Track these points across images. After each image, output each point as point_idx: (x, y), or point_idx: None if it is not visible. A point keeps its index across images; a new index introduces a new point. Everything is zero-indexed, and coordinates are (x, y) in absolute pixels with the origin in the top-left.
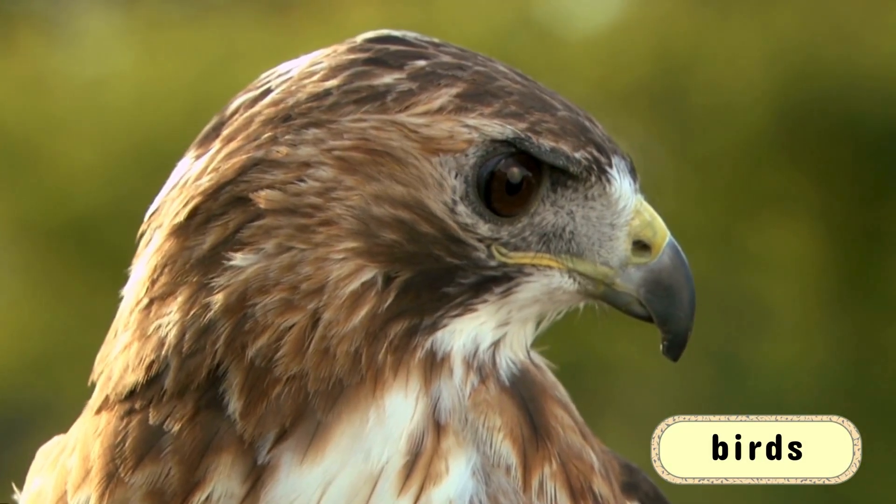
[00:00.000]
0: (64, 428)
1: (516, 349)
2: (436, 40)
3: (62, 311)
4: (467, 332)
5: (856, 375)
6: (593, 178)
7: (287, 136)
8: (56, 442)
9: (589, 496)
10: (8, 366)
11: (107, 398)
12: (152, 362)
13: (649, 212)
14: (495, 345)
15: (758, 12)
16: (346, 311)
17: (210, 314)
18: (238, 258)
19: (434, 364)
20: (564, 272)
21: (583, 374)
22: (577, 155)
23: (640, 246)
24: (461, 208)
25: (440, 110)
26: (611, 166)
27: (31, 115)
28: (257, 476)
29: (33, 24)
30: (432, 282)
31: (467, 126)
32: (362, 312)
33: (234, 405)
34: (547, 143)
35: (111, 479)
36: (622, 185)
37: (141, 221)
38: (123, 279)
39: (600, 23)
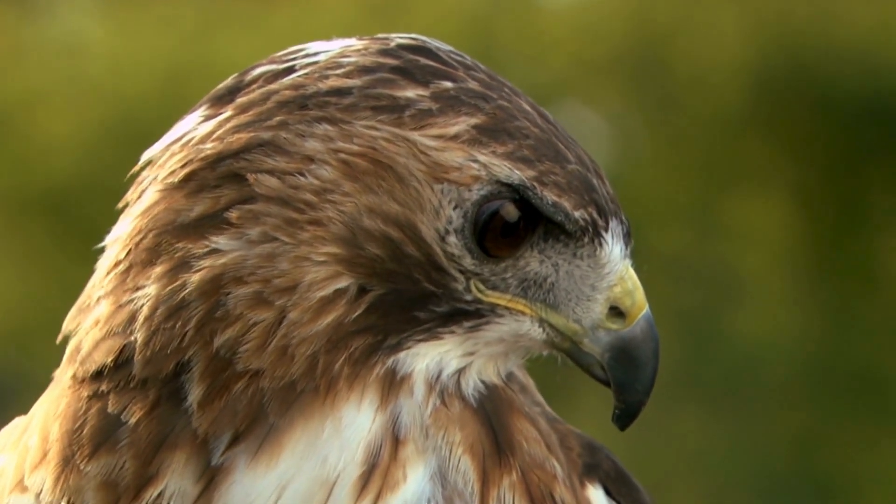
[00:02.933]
0: (39, 397)
1: (486, 376)
2: (468, 61)
3: (38, 281)
4: (431, 357)
5: (829, 346)
6: (586, 239)
7: (298, 125)
8: (14, 425)
9: (549, 503)
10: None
11: (74, 375)
12: (123, 346)
13: (633, 280)
14: (460, 372)
15: None
16: (312, 314)
17: (185, 293)
18: (221, 241)
19: (393, 382)
20: (535, 320)
21: None
22: (577, 214)
23: (616, 312)
24: (452, 239)
25: (454, 138)
26: (606, 230)
27: (5, 87)
28: (211, 477)
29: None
30: (405, 303)
31: (478, 161)
32: (328, 319)
33: (194, 395)
34: (550, 196)
35: (67, 464)
36: (613, 250)
37: (116, 191)
38: (99, 250)
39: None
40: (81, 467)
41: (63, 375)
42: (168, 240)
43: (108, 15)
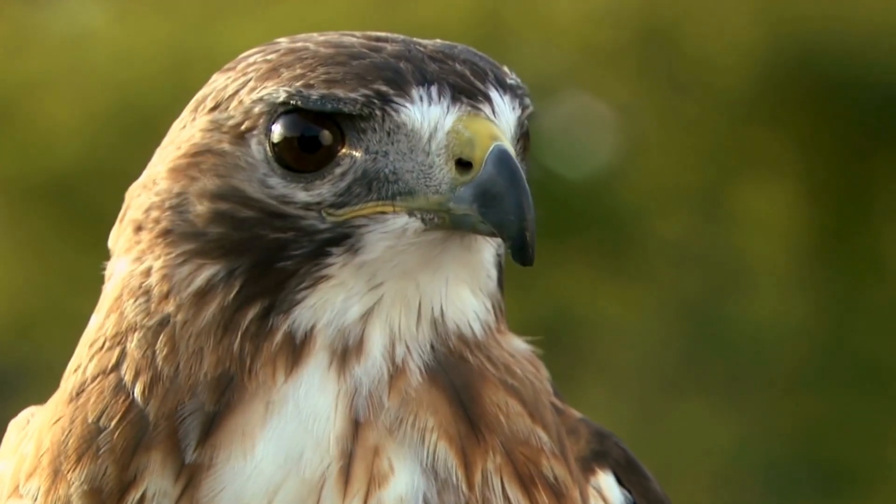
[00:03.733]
0: (44, 387)
1: (411, 322)
2: (333, 42)
3: (42, 269)
4: (330, 303)
5: (835, 333)
6: (378, 113)
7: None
8: (24, 419)
9: (539, 480)
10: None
11: (65, 388)
12: (108, 360)
13: (472, 127)
14: (369, 314)
15: None
16: (194, 309)
17: (124, 310)
18: (121, 260)
19: (302, 346)
20: (402, 213)
21: (562, 332)
22: (353, 95)
23: (463, 164)
24: (273, 181)
25: (245, 97)
26: (404, 96)
27: (10, 74)
28: (190, 475)
29: None
30: (267, 261)
31: (254, 100)
32: (211, 309)
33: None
34: (316, 92)
35: (56, 474)
36: (421, 113)
37: (120, 179)
38: (103, 237)
39: None
40: (68, 477)
41: (65, 384)
42: (152, 239)
43: (112, 3)
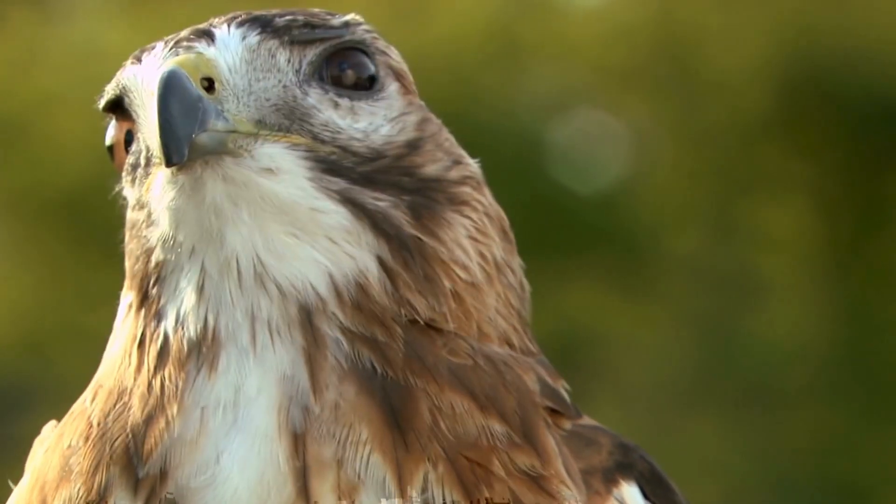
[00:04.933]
0: (57, 404)
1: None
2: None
3: (54, 286)
4: (172, 300)
5: (849, 350)
6: (124, 82)
7: None
8: (49, 427)
9: (485, 484)
10: (5, 338)
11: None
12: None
13: (168, 62)
14: (201, 291)
15: None
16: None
17: None
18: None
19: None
20: (155, 173)
21: (574, 349)
22: (113, 83)
23: None
24: (125, 193)
25: None
26: (135, 63)
27: (23, 90)
28: (150, 487)
29: None
30: (139, 265)
31: None
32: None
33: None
34: (105, 91)
35: (44, 500)
36: (138, 71)
37: None
38: (116, 253)
39: None
40: (50, 501)
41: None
42: None
43: (126, 18)
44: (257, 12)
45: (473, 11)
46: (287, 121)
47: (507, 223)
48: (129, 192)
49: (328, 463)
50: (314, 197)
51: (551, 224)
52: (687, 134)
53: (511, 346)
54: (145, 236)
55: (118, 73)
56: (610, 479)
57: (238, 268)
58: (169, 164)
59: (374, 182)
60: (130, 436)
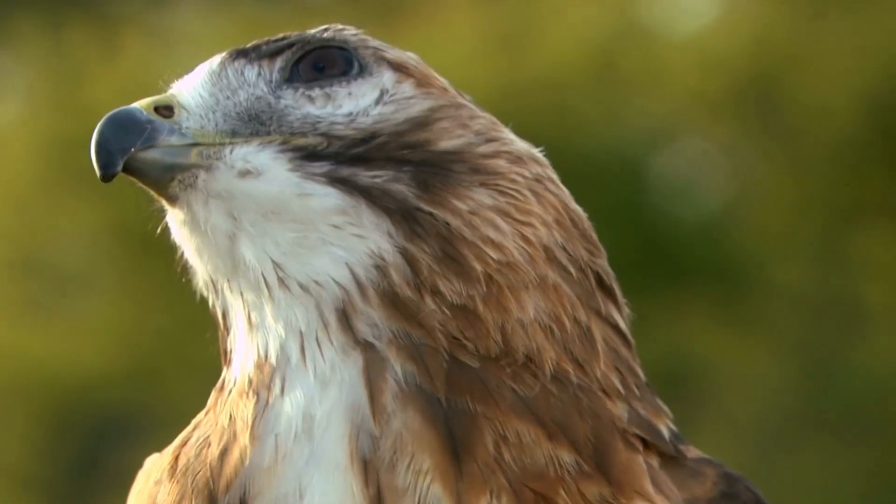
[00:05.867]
0: (165, 434)
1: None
2: None
3: (160, 315)
4: (230, 327)
5: None
6: None
7: None
8: (150, 461)
9: None
10: (112, 369)
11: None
12: None
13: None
14: (248, 322)
15: (854, 11)
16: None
17: None
18: None
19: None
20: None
21: (679, 379)
22: None
23: None
24: None
25: None
26: None
27: None
28: None
29: (137, 27)
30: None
31: None
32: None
33: None
34: None
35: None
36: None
37: None
38: None
39: (696, 25)
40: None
41: None
42: None
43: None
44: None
45: (577, 38)
46: (263, 126)
47: (578, 216)
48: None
49: (401, 491)
50: (299, 185)
51: (655, 254)
52: (788, 161)
53: (580, 364)
54: (198, 285)
55: None
56: None
57: (265, 280)
58: (104, 177)
59: (367, 160)
60: (210, 468)
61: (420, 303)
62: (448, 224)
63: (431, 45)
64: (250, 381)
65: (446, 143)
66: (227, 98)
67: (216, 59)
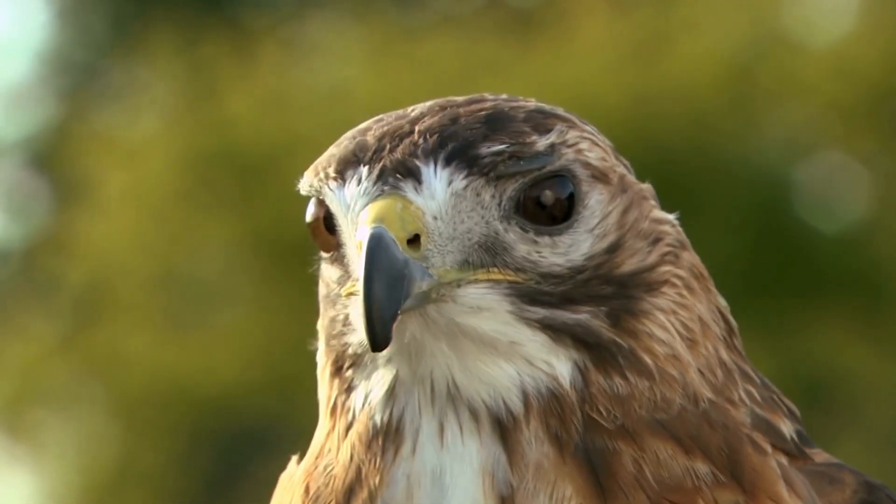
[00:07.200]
0: (302, 445)
1: (433, 398)
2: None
3: (294, 327)
4: (363, 384)
5: None
6: (321, 198)
7: None
8: (292, 463)
9: None
10: (249, 380)
11: None
12: None
13: (374, 210)
14: (391, 393)
15: None
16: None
17: None
18: None
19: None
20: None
21: (820, 390)
22: (313, 180)
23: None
24: (321, 260)
25: None
26: (337, 180)
27: (269, 130)
28: None
29: (272, 40)
30: (335, 339)
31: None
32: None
33: None
34: (307, 176)
35: None
36: (342, 196)
37: None
38: None
39: (833, 35)
40: None
41: None
42: None
43: (371, 59)
44: (462, 133)
45: (711, 51)
46: (489, 256)
47: (703, 269)
48: (328, 268)
49: None
50: (515, 330)
51: (796, 265)
52: None
53: (718, 391)
54: (342, 331)
55: (320, 172)
56: None
57: (432, 384)
58: (374, 350)
59: (572, 300)
60: (339, 502)
61: (579, 407)
62: (632, 347)
63: (566, 55)
64: (372, 434)
65: (628, 266)
66: (462, 223)
67: (457, 177)
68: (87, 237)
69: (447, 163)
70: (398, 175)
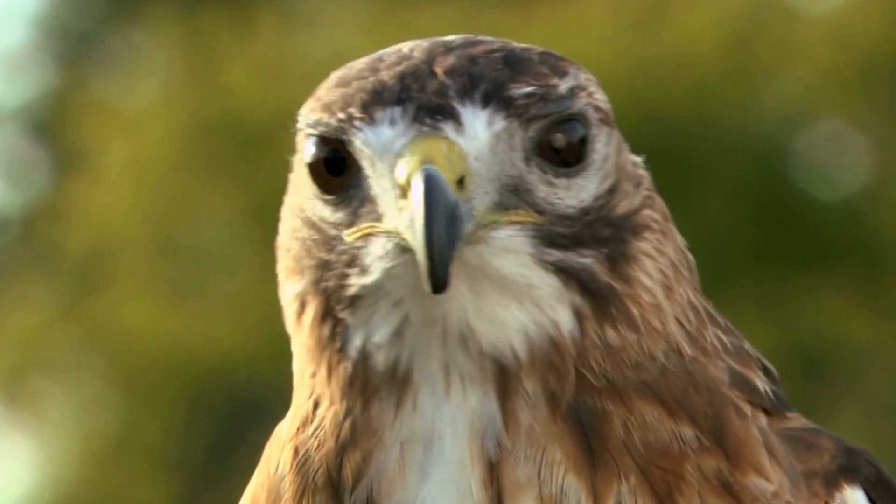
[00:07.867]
0: None
1: (447, 343)
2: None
3: None
4: (361, 327)
5: None
6: (347, 137)
7: None
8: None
9: (677, 492)
10: (249, 349)
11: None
12: None
13: (414, 150)
14: (398, 334)
15: None
16: (295, 326)
17: None
18: None
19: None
20: (382, 236)
21: (818, 360)
22: (331, 120)
23: (403, 192)
24: (315, 201)
25: (300, 120)
26: (366, 120)
27: (268, 99)
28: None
29: (271, 8)
30: (318, 280)
31: (298, 125)
32: (304, 326)
33: None
34: (312, 116)
35: None
36: (376, 136)
37: None
38: None
39: (832, 3)
40: None
41: None
42: None
43: (370, 28)
44: (489, 75)
45: (710, 22)
46: (515, 198)
47: (666, 208)
48: (323, 209)
49: (523, 485)
50: (533, 272)
51: (795, 233)
52: None
53: (694, 339)
54: (343, 273)
55: (337, 111)
56: (832, 482)
57: (444, 327)
58: (435, 292)
59: (580, 242)
60: (330, 465)
61: (579, 360)
62: (626, 292)
63: (564, 30)
64: (374, 385)
65: (622, 208)
66: (498, 165)
67: (497, 119)
68: (86, 206)
69: (484, 104)
70: (438, 116)
